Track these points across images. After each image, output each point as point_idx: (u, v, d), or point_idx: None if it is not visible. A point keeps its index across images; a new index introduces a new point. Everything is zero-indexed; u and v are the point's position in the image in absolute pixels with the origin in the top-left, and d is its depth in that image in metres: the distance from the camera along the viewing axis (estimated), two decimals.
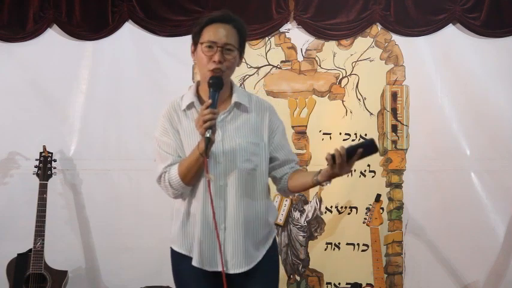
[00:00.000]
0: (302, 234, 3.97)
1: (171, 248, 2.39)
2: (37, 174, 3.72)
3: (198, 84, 2.37)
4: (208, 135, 2.08)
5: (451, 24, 3.94)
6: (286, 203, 3.97)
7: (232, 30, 2.25)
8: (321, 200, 3.97)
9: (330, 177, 2.12)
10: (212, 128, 2.09)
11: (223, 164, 2.24)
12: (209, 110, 2.10)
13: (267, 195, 2.37)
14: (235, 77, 3.95)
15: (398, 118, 3.96)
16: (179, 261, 2.34)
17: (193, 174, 2.20)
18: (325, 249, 3.97)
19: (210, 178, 2.13)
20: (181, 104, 2.32)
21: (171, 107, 2.33)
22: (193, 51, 2.32)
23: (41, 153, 3.77)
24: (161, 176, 2.28)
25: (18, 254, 3.61)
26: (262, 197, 2.32)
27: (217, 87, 2.18)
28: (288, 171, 2.36)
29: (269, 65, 4.02)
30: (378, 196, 3.73)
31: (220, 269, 2.22)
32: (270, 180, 2.43)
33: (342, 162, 2.03)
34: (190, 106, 2.30)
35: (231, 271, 2.24)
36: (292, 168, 2.38)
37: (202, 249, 2.24)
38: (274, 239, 2.42)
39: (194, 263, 2.25)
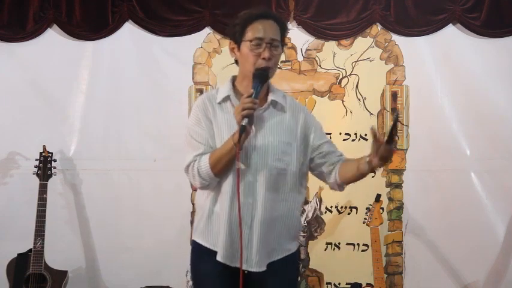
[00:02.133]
0: (302, 234, 3.96)
1: (193, 240, 2.35)
2: (37, 174, 3.71)
3: (233, 80, 2.36)
4: (244, 124, 2.09)
5: (451, 24, 3.94)
6: None
7: (275, 26, 2.27)
8: (321, 200, 3.97)
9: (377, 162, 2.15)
10: (249, 117, 2.10)
11: (254, 161, 2.23)
12: (250, 99, 2.12)
13: (297, 199, 2.34)
14: None
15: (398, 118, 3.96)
16: (201, 254, 2.31)
17: (224, 165, 2.19)
18: (325, 249, 3.97)
19: (240, 166, 2.13)
20: (217, 96, 2.31)
21: (206, 97, 2.32)
22: (233, 49, 2.31)
23: (41, 153, 3.77)
24: (190, 164, 2.25)
25: (18, 254, 3.61)
26: (291, 199, 2.30)
27: (261, 79, 2.19)
28: (335, 160, 2.34)
29: None
30: (378, 196, 3.73)
31: (242, 265, 2.20)
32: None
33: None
34: (226, 99, 2.30)
35: (254, 269, 2.22)
36: (339, 158, 2.36)
37: (227, 245, 2.22)
38: (298, 250, 2.41)
39: (218, 258, 2.23)
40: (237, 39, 2.28)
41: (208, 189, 2.28)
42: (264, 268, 2.23)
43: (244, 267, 2.19)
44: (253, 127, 2.21)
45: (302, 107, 2.43)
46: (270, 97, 2.30)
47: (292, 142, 2.30)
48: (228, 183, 2.23)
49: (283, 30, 2.30)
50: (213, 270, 2.24)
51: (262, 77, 2.19)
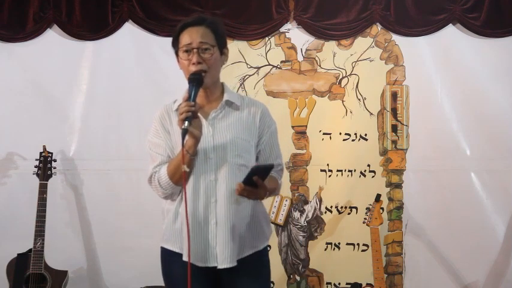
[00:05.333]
0: (302, 234, 3.97)
1: (162, 247, 2.40)
2: (37, 174, 3.72)
3: None
4: (184, 127, 2.12)
5: (451, 24, 3.94)
6: (286, 203, 3.97)
7: (206, 30, 2.30)
8: (321, 200, 3.97)
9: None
10: (189, 119, 2.13)
11: (214, 160, 2.27)
12: (186, 103, 2.16)
13: None
14: (235, 77, 3.96)
15: (398, 118, 3.96)
16: (171, 258, 2.35)
17: (181, 172, 2.21)
18: (325, 249, 3.97)
19: (184, 169, 2.16)
20: (173, 106, 2.37)
21: (164, 109, 2.39)
22: (178, 62, 2.37)
23: (41, 153, 3.77)
24: (151, 176, 2.32)
25: (18, 254, 3.61)
26: None
27: (194, 82, 2.23)
28: None
29: (269, 65, 4.01)
30: (378, 196, 3.73)
31: (211, 264, 2.27)
32: None
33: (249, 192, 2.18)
34: None
35: (220, 266, 2.26)
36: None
37: (193, 245, 2.25)
38: (266, 248, 2.43)
39: (185, 258, 2.26)
40: (175, 51, 2.34)
41: (171, 198, 2.33)
42: (233, 264, 2.27)
43: (213, 265, 2.27)
44: (209, 127, 2.28)
45: (260, 105, 2.43)
46: (225, 97, 2.35)
47: (251, 140, 2.34)
48: (188, 187, 2.26)
49: (218, 33, 2.33)
50: (184, 273, 2.23)
51: (195, 80, 2.23)
